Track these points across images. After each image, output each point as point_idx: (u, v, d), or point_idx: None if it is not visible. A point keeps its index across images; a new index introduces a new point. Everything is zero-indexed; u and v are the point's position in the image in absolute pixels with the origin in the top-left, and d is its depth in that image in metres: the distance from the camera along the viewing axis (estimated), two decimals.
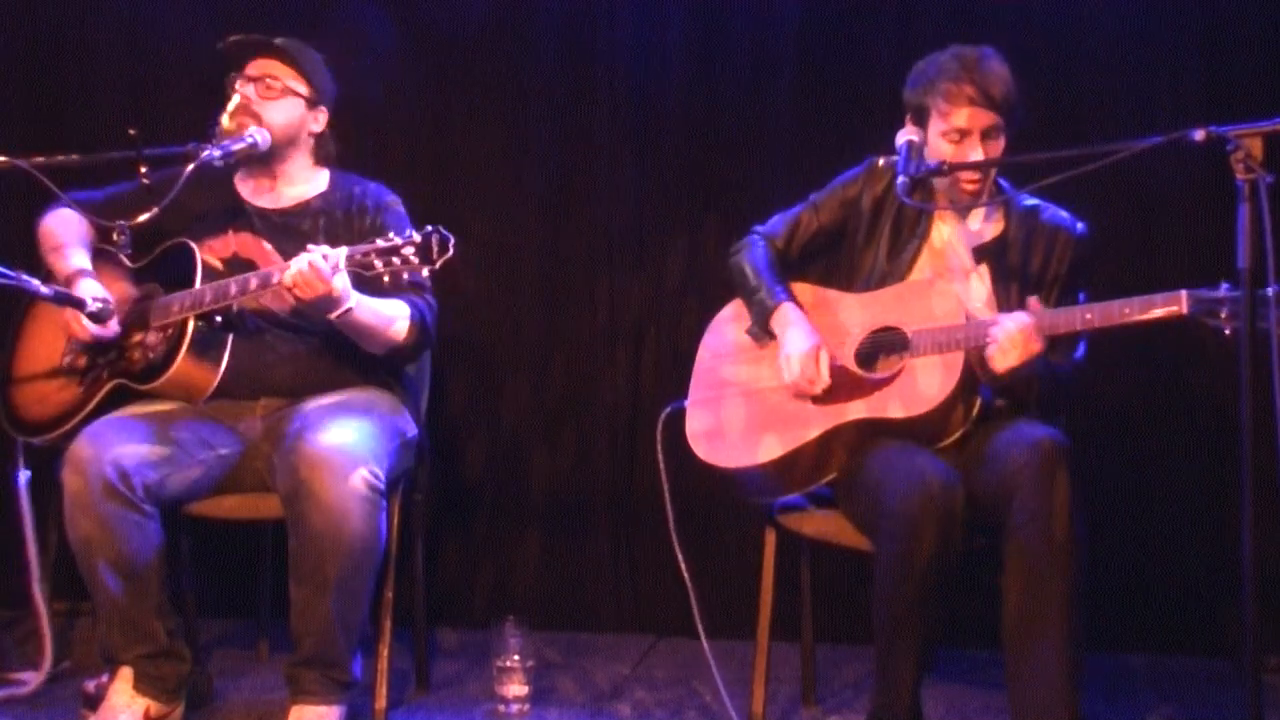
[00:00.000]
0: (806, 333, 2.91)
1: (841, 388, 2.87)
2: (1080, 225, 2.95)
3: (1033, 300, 2.72)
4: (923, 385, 2.77)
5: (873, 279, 2.96)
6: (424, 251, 2.76)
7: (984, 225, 2.96)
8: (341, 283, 2.84)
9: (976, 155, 2.81)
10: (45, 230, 3.18)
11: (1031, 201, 2.96)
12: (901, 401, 2.78)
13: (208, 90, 3.25)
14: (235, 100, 3.12)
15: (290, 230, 3.16)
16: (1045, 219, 2.94)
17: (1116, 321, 2.62)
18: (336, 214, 3.20)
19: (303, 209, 3.21)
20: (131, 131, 2.87)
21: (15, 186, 3.00)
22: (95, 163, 3.07)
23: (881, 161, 2.99)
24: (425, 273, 2.78)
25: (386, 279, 2.80)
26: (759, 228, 3.11)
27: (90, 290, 3.02)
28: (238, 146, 3.05)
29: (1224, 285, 2.52)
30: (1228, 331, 2.51)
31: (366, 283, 2.85)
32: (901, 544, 2.60)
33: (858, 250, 3.00)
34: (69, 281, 3.06)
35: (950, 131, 2.82)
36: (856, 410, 2.83)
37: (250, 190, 3.22)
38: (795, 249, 3.07)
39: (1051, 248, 2.92)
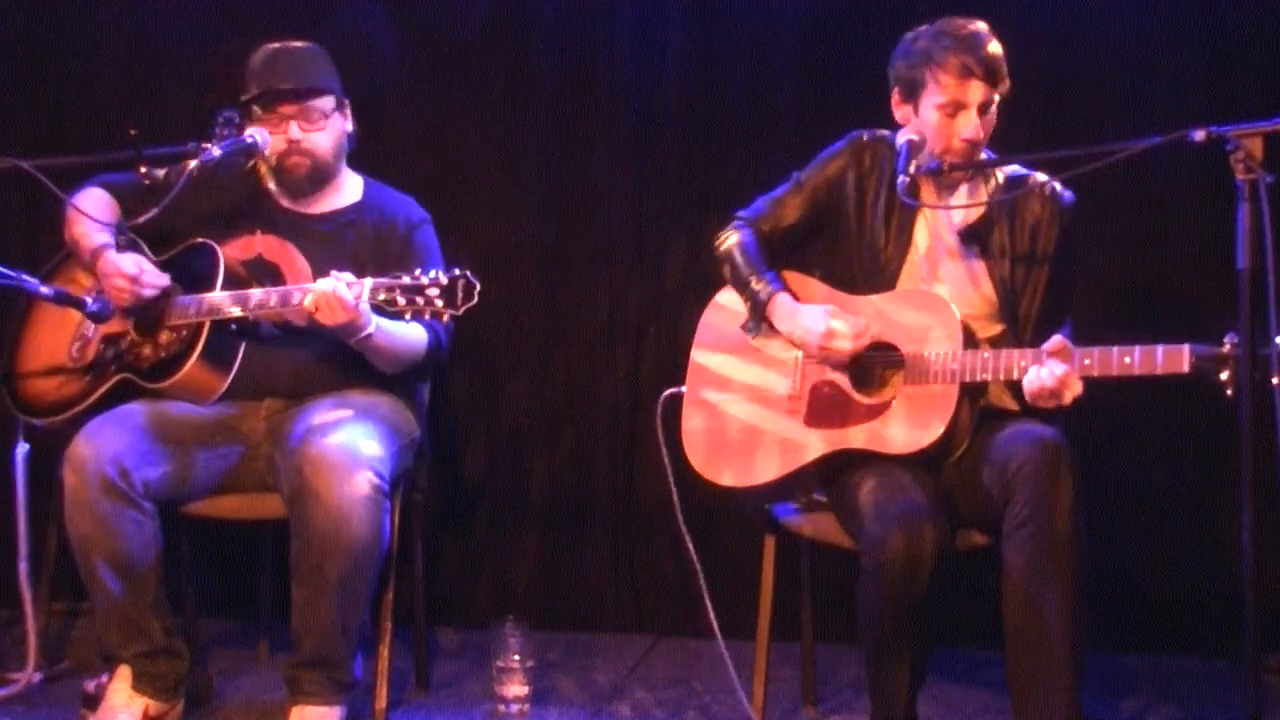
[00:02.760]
0: (819, 308, 2.85)
1: (834, 406, 2.84)
2: (1067, 194, 2.91)
3: (1059, 341, 2.64)
4: (919, 418, 2.73)
5: (871, 266, 2.92)
6: (449, 295, 2.76)
7: (967, 206, 2.92)
8: (364, 310, 2.84)
9: (970, 129, 2.78)
10: (74, 214, 3.13)
11: (1016, 170, 2.93)
12: (899, 435, 2.74)
13: (208, 90, 3.25)
14: (278, 141, 3.09)
15: (318, 237, 3.16)
16: (1030, 188, 2.90)
17: (1116, 374, 2.58)
18: (366, 227, 3.20)
19: (333, 217, 3.21)
20: (132, 131, 2.87)
21: (15, 186, 3.00)
22: (95, 163, 3.08)
23: (864, 135, 2.96)
24: (446, 317, 2.78)
25: (408, 316, 2.81)
26: (743, 213, 3.06)
27: (116, 259, 3.00)
28: (237, 146, 3.05)
29: (1229, 335, 2.45)
30: (1229, 393, 2.44)
31: (387, 311, 2.85)
32: (884, 581, 2.58)
33: (849, 232, 2.95)
34: (95, 256, 3.05)
35: (947, 104, 2.78)
36: (855, 439, 2.79)
37: (282, 193, 3.22)
38: (782, 231, 3.02)
39: (1039, 220, 2.89)
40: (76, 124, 3.98)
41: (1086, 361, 2.60)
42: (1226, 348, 2.46)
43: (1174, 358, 2.52)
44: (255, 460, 3.08)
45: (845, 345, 2.82)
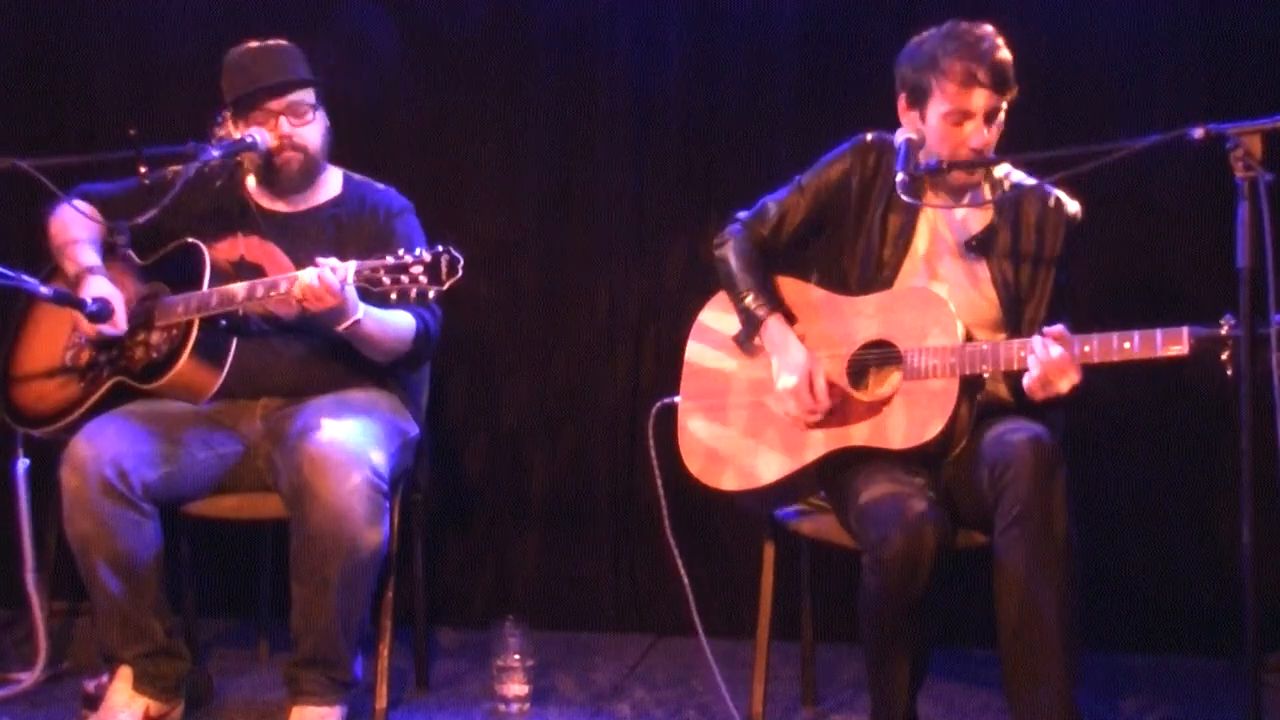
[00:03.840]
0: (796, 360, 2.84)
1: (835, 407, 2.83)
2: (1072, 203, 2.91)
3: (1055, 330, 2.63)
4: (919, 413, 2.72)
5: (867, 269, 2.91)
6: (433, 271, 2.75)
7: (972, 212, 2.92)
8: (350, 295, 2.84)
9: (977, 137, 2.77)
10: (56, 225, 3.16)
11: (1018, 175, 2.92)
12: (900, 431, 2.74)
13: (208, 90, 3.25)
14: (268, 139, 3.08)
15: (300, 234, 3.16)
16: (1036, 197, 2.89)
17: (1116, 360, 2.57)
18: (347, 220, 3.20)
19: (314, 213, 3.20)
20: (131, 131, 2.87)
21: (15, 186, 3.00)
22: (95, 163, 3.08)
23: (869, 137, 2.94)
24: (432, 294, 2.77)
25: (394, 296, 2.80)
26: (743, 215, 3.04)
27: (96, 289, 3.01)
28: (237, 146, 3.05)
29: (1227, 316, 2.45)
30: (1229, 373, 2.44)
31: (373, 294, 2.85)
32: (887, 580, 2.58)
33: (848, 235, 2.94)
34: (79, 279, 3.05)
35: (953, 113, 2.76)
36: (857, 436, 2.79)
37: (261, 193, 3.21)
38: (783, 235, 3.00)
39: (1043, 228, 2.88)
40: (76, 124, 3.99)
41: (1086, 348, 2.59)
42: (1224, 329, 2.46)
43: (1173, 339, 2.51)
44: (254, 460, 3.08)
45: (799, 409, 2.81)
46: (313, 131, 3.14)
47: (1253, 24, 3.59)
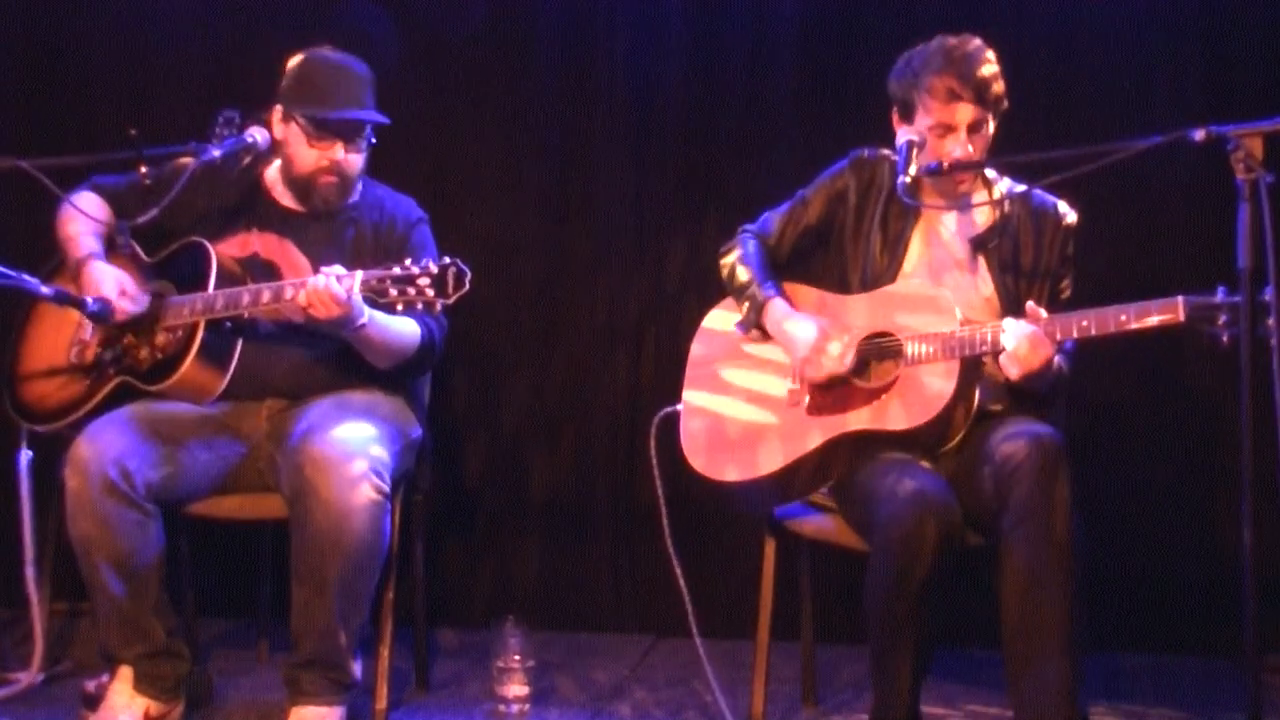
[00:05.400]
0: (807, 323, 2.89)
1: (836, 396, 2.85)
2: (1070, 212, 2.94)
3: (1031, 306, 2.69)
4: (920, 395, 2.74)
5: (866, 275, 2.94)
6: (439, 284, 2.75)
7: (972, 217, 2.95)
8: (356, 303, 2.84)
9: (960, 150, 2.80)
10: (64, 217, 3.14)
11: (1020, 187, 2.95)
12: (900, 412, 2.76)
13: (208, 90, 3.26)
14: (317, 157, 3.07)
15: (316, 234, 3.15)
16: (1034, 205, 2.93)
17: (1113, 330, 2.59)
18: (365, 225, 3.19)
19: (331, 214, 3.19)
20: (132, 131, 2.87)
21: (15, 186, 3.00)
22: (95, 163, 3.08)
23: (865, 153, 2.99)
24: (439, 307, 2.78)
25: (400, 307, 2.80)
26: (748, 226, 3.09)
27: (96, 276, 3.00)
28: (238, 146, 3.04)
29: (1220, 289, 2.49)
30: (1225, 339, 2.47)
31: (379, 303, 2.84)
32: (895, 562, 2.59)
33: (847, 244, 2.98)
34: (79, 266, 3.04)
35: (936, 126, 2.81)
36: (857, 421, 2.80)
37: (281, 191, 3.21)
38: (786, 246, 3.05)
39: (1042, 235, 2.91)
40: (75, 124, 3.98)
41: (1084, 323, 2.62)
42: (1218, 297, 2.48)
43: (1169, 308, 2.53)
44: (256, 460, 3.08)
45: (829, 365, 2.84)
46: (360, 159, 3.14)
47: (1252, 24, 3.60)
